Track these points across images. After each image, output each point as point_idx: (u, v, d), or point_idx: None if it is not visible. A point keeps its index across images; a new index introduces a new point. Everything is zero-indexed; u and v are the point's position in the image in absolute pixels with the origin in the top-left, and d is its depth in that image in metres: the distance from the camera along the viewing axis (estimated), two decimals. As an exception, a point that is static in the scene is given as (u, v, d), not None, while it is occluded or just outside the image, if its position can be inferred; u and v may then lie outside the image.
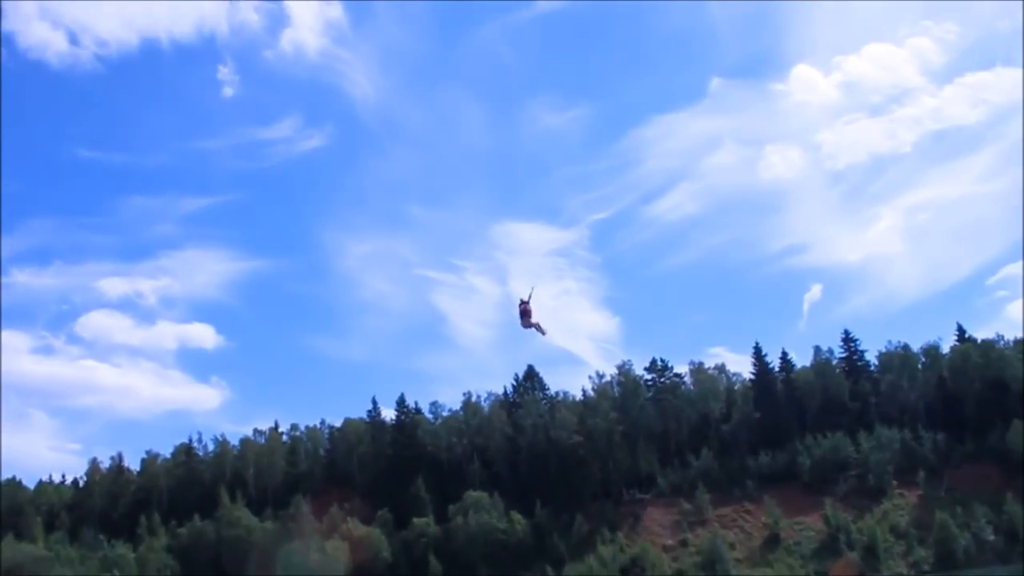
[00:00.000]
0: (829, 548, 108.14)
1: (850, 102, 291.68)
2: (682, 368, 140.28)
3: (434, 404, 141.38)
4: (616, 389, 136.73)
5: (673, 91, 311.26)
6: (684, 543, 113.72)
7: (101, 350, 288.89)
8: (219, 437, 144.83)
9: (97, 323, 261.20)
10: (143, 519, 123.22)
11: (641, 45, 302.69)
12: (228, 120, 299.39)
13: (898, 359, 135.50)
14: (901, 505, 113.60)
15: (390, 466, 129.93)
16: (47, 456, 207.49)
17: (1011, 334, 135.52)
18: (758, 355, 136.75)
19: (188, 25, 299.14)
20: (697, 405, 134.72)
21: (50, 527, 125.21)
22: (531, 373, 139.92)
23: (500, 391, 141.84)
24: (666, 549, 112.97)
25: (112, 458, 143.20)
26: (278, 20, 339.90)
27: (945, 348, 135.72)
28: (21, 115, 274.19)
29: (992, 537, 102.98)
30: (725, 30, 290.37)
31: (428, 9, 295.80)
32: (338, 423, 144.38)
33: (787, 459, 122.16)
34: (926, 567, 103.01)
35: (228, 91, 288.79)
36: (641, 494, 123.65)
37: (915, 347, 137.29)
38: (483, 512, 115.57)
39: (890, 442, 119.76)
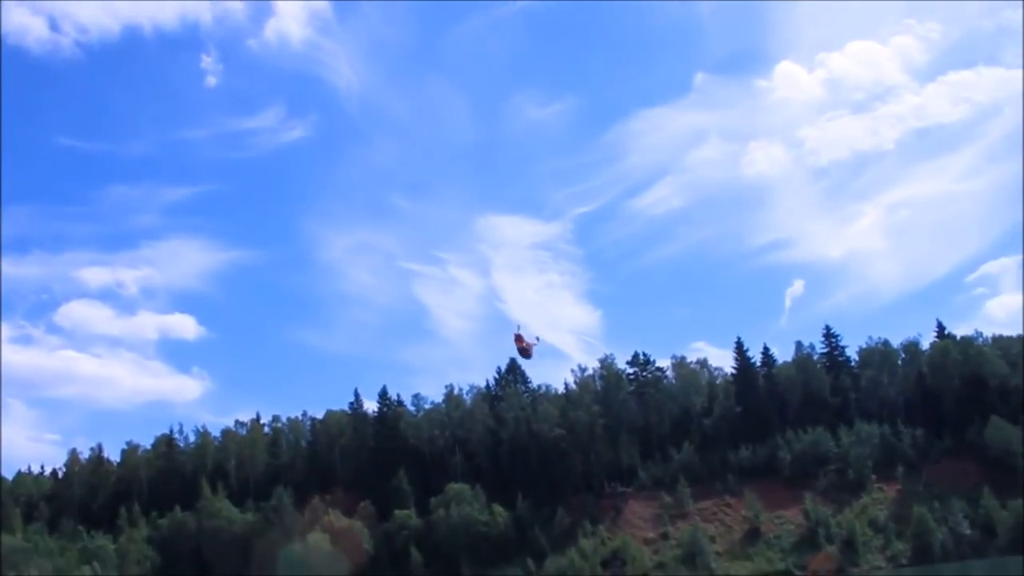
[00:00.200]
0: (808, 542, 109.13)
1: (833, 99, 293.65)
2: (664, 362, 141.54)
3: (416, 396, 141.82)
4: (598, 383, 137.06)
5: (658, 86, 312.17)
6: (665, 536, 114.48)
7: (81, 340, 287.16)
8: (200, 428, 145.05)
9: (77, 313, 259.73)
10: (123, 510, 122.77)
11: (626, 39, 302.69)
12: (211, 110, 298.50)
13: (878, 355, 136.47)
14: (880, 499, 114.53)
15: (372, 458, 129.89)
16: (26, 447, 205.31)
17: (990, 331, 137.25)
18: (740, 350, 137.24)
19: (171, 13, 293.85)
20: (679, 399, 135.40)
21: (29, 518, 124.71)
22: (513, 366, 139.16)
23: (482, 384, 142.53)
24: (647, 542, 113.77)
25: (92, 449, 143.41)
26: (262, 10, 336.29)
27: (925, 344, 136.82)
28: (0, 102, 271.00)
29: (969, 532, 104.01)
30: (710, 25, 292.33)
31: (413, 1, 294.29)
32: (320, 415, 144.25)
33: (768, 453, 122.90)
34: (903, 561, 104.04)
35: (211, 80, 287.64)
36: (622, 487, 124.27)
37: (895, 343, 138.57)
38: (465, 504, 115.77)
39: (870, 437, 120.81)
